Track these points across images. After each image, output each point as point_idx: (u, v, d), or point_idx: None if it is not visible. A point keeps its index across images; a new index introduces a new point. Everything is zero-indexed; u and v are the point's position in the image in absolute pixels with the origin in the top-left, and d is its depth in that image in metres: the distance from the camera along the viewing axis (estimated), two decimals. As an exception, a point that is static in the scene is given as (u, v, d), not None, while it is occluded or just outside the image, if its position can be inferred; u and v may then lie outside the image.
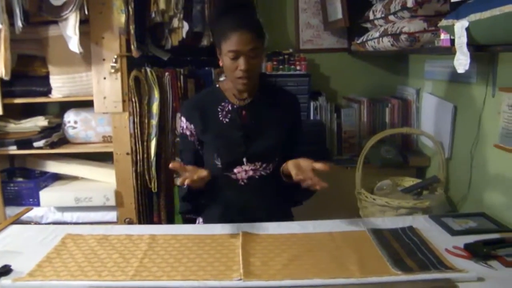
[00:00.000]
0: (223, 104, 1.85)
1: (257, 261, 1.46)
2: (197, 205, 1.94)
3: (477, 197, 2.09)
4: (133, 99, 2.69)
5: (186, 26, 2.86)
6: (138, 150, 2.73)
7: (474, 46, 1.54)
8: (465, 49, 1.49)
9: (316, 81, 3.27)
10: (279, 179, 1.83)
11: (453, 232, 1.68)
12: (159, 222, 2.83)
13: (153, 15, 2.71)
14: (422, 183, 2.40)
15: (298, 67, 3.17)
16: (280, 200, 1.91)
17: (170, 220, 2.89)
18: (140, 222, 2.77)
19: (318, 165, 1.61)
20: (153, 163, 2.75)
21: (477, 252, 1.48)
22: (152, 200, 2.86)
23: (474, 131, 2.10)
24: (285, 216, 1.93)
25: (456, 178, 2.34)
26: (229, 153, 1.82)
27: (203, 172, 1.69)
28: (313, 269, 1.39)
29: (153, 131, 2.74)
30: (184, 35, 2.87)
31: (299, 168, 1.65)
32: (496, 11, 1.31)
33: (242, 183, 1.83)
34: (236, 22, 1.70)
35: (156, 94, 2.75)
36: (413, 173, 2.77)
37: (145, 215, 2.84)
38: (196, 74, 3.03)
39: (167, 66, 2.93)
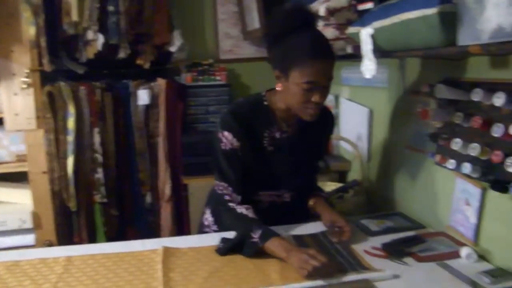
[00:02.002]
0: (270, 128, 1.68)
1: (177, 276, 1.42)
2: None
3: (394, 198, 2.17)
4: (48, 115, 2.57)
5: (101, 38, 2.79)
6: (54, 168, 2.63)
7: (380, 52, 1.60)
8: (371, 55, 1.54)
9: (236, 91, 3.28)
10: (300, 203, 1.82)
11: (371, 233, 1.73)
12: (80, 242, 2.72)
13: (65, 27, 2.62)
14: (342, 187, 2.46)
15: (218, 77, 3.17)
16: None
17: (92, 239, 2.79)
18: (60, 244, 2.65)
19: (346, 237, 1.61)
20: (71, 181, 2.64)
21: (393, 251, 1.53)
22: (72, 220, 2.75)
23: (389, 134, 2.19)
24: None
25: (375, 180, 2.41)
26: (265, 184, 1.74)
27: None
28: (234, 280, 1.38)
29: (70, 147, 2.64)
30: (99, 48, 2.79)
31: (332, 225, 1.67)
32: (395, 19, 1.37)
33: (263, 206, 1.75)
34: (316, 48, 1.49)
35: (71, 110, 2.66)
36: (335, 177, 2.83)
37: (65, 236, 2.72)
38: (113, 87, 2.94)
39: (83, 79, 2.84)
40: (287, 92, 1.56)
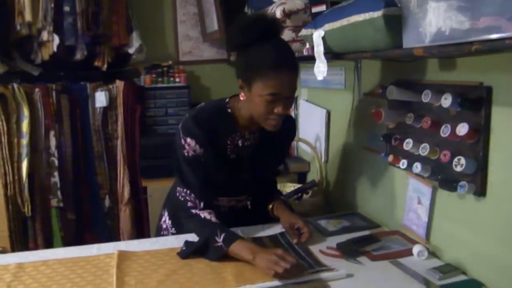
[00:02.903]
0: (233, 135, 1.65)
1: (132, 280, 1.40)
2: None
3: (351, 198, 2.20)
4: (0, 118, 2.50)
5: (57, 40, 2.74)
6: (8, 172, 2.55)
7: (332, 54, 1.62)
8: (322, 57, 1.56)
9: (196, 93, 3.27)
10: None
11: (328, 233, 1.75)
12: (36, 248, 2.65)
13: (18, 27, 2.55)
14: (301, 188, 2.48)
15: (177, 79, 3.15)
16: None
17: (49, 245, 2.72)
18: (14, 250, 2.58)
19: (305, 239, 1.64)
20: (26, 185, 2.57)
21: (348, 250, 1.56)
22: (27, 225, 2.68)
23: (346, 135, 2.22)
24: None
25: (333, 181, 2.44)
26: (225, 190, 1.73)
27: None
28: (189, 283, 1.37)
29: (24, 150, 2.59)
30: (55, 49, 2.73)
31: (291, 227, 1.69)
32: (345, 22, 1.40)
33: (222, 211, 1.74)
34: (279, 59, 1.45)
35: (25, 112, 2.60)
36: (294, 178, 2.85)
37: (20, 242, 2.65)
38: (70, 89, 2.89)
39: (38, 81, 2.77)
40: (250, 102, 1.53)
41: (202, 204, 1.64)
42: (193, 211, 1.63)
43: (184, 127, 1.61)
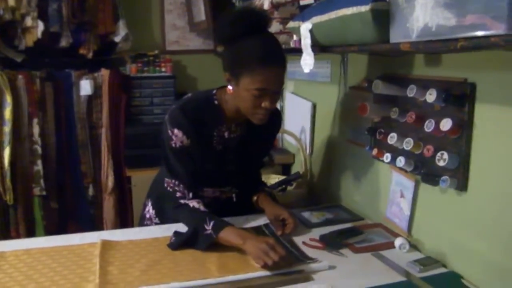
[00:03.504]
0: (220, 127, 1.65)
1: (115, 270, 1.40)
2: None
3: (335, 190, 2.21)
4: (-18, 105, 2.47)
5: (41, 26, 2.71)
6: (-11, 160, 2.52)
7: (319, 47, 1.63)
8: (309, 49, 1.57)
9: (182, 83, 3.26)
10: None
11: (311, 225, 1.76)
12: (18, 237, 2.64)
13: (1, 12, 2.51)
14: (285, 179, 2.49)
15: (163, 69, 3.14)
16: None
17: (31, 233, 2.70)
18: (-5, 238, 2.55)
19: (289, 230, 1.65)
20: (8, 173, 2.55)
21: (330, 242, 1.57)
22: (9, 214, 2.65)
23: (331, 128, 2.23)
24: None
25: (317, 173, 2.46)
26: (211, 181, 1.73)
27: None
28: (171, 272, 1.37)
29: (6, 138, 2.56)
30: (39, 35, 2.70)
31: (276, 218, 1.70)
32: (333, 15, 1.40)
33: (207, 201, 1.71)
34: (267, 54, 1.45)
35: (8, 99, 2.57)
36: (279, 170, 2.86)
37: (1, 231, 2.62)
38: (54, 76, 2.86)
39: (22, 68, 2.73)
40: (237, 96, 1.52)
41: (190, 194, 1.64)
42: (182, 201, 1.63)
43: (171, 118, 1.61)
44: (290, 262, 1.42)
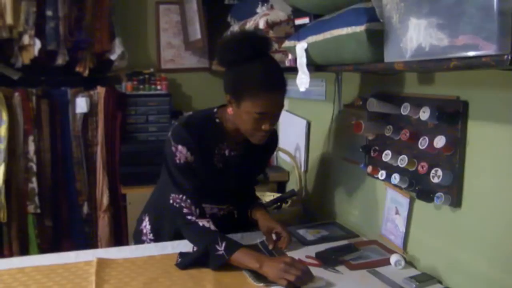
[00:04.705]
0: (221, 145, 1.67)
1: (111, 288, 1.40)
2: None
3: (330, 207, 2.22)
4: (-22, 122, 2.47)
5: (38, 44, 2.72)
6: (-16, 177, 2.51)
7: (314, 66, 1.65)
8: (305, 68, 1.59)
9: (177, 101, 3.28)
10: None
11: (307, 242, 1.76)
12: (11, 255, 2.61)
13: (-2, 30, 2.53)
14: (280, 197, 2.49)
15: (159, 87, 3.16)
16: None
17: (24, 251, 2.68)
18: (-12, 257, 2.53)
19: (283, 244, 1.68)
20: (2, 191, 2.54)
21: (326, 260, 1.57)
22: (2, 231, 2.63)
23: (326, 146, 2.24)
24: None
25: (312, 190, 2.47)
26: (209, 198, 1.72)
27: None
28: (168, 290, 1.37)
29: (1, 156, 2.56)
30: (36, 53, 2.71)
31: (268, 231, 1.73)
32: (328, 35, 1.43)
33: None
34: (268, 80, 1.48)
35: (4, 116, 2.57)
36: (274, 188, 2.87)
37: (-6, 249, 2.60)
38: (50, 94, 2.87)
39: (18, 85, 2.74)
40: (238, 117, 1.55)
41: (198, 211, 1.62)
42: (190, 217, 1.61)
43: (175, 135, 1.61)
44: (312, 275, 1.42)
